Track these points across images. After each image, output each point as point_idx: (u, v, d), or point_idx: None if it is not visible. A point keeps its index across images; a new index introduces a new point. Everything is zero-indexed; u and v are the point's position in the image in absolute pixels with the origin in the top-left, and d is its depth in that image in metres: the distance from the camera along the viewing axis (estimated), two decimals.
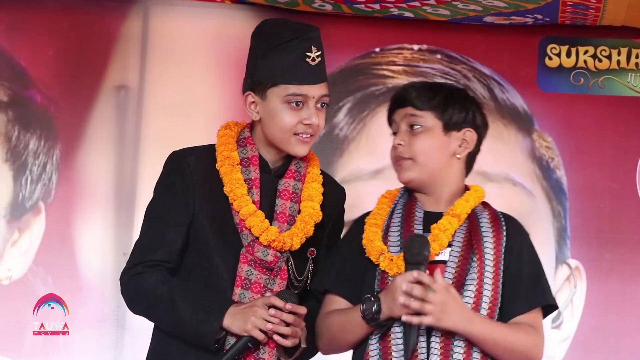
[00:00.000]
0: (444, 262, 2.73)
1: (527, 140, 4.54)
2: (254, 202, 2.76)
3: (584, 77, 4.57)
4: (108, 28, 4.58)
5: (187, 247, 2.80)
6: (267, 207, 2.78)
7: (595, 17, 4.37)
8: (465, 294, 2.69)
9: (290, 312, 2.70)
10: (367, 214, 2.87)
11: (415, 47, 4.62)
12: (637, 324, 4.46)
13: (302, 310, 2.71)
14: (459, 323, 2.65)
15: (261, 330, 2.69)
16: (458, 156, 2.81)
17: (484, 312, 2.71)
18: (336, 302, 2.81)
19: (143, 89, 4.59)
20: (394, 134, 2.84)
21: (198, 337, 2.71)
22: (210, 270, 2.77)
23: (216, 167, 2.79)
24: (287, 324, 2.70)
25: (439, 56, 4.60)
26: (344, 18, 4.58)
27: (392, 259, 2.72)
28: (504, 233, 2.78)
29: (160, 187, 2.83)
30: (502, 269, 2.74)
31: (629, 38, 4.54)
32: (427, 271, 2.67)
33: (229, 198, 2.76)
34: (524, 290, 2.75)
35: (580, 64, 4.57)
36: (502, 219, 2.81)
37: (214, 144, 2.84)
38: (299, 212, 2.80)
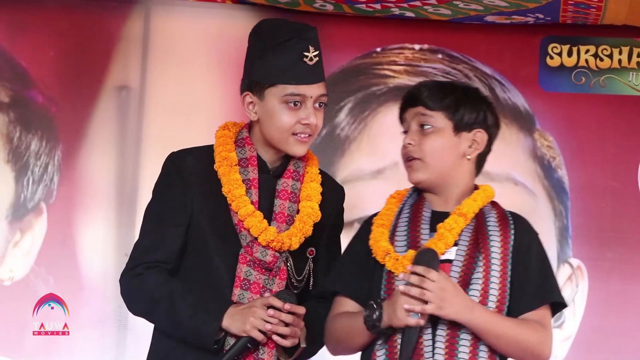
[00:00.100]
0: (449, 261, 2.73)
1: (529, 139, 4.54)
2: (252, 203, 2.76)
3: (585, 77, 4.57)
4: (109, 28, 4.58)
5: (186, 247, 2.80)
6: (266, 207, 2.78)
7: (597, 16, 4.37)
8: (470, 292, 2.69)
9: (289, 312, 2.69)
10: (376, 214, 2.86)
11: (417, 46, 4.62)
12: (639, 324, 4.46)
13: (301, 310, 2.71)
14: (460, 312, 2.65)
15: (260, 331, 2.69)
16: (468, 157, 2.80)
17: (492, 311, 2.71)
18: (345, 304, 2.81)
19: (144, 89, 4.59)
20: (405, 132, 2.83)
21: (197, 338, 2.71)
22: (209, 270, 2.77)
23: (214, 167, 2.79)
24: (286, 324, 2.69)
25: (440, 56, 4.60)
26: (345, 18, 4.58)
27: (397, 259, 2.72)
28: (512, 232, 2.77)
29: (159, 188, 2.84)
30: (509, 268, 2.74)
31: (631, 37, 4.54)
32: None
33: (227, 198, 2.76)
34: (532, 287, 2.74)
35: (582, 63, 4.57)
36: (510, 218, 2.80)
37: (213, 145, 2.84)
38: (298, 212, 2.80)
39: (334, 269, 2.86)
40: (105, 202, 4.54)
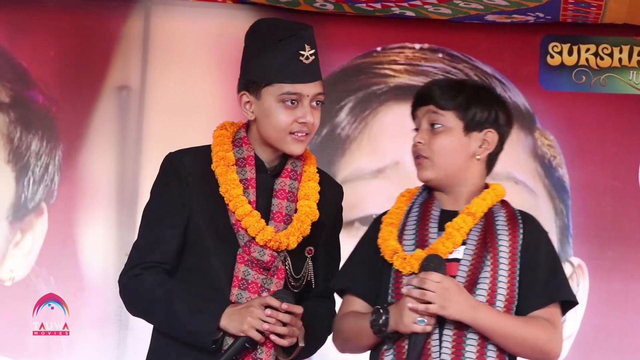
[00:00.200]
0: (457, 260, 2.72)
1: (529, 138, 4.54)
2: (250, 202, 2.75)
3: (585, 75, 4.57)
4: (109, 28, 4.58)
5: (184, 248, 2.80)
6: (264, 207, 2.78)
7: (597, 15, 4.37)
8: (478, 292, 2.69)
9: (287, 312, 2.69)
10: (386, 212, 2.86)
11: (417, 46, 4.62)
12: (639, 322, 4.46)
13: (299, 309, 2.71)
14: (464, 312, 2.64)
15: (258, 331, 2.69)
16: (478, 157, 2.78)
17: (498, 310, 2.70)
18: (354, 303, 2.81)
19: (145, 89, 4.59)
20: (416, 129, 2.82)
21: (195, 338, 2.71)
22: (207, 270, 2.77)
23: (212, 167, 2.79)
24: (284, 324, 2.69)
25: (440, 55, 4.60)
26: (346, 17, 4.58)
27: (405, 258, 2.72)
28: (521, 231, 2.76)
29: (157, 188, 2.84)
30: (518, 267, 2.73)
31: (631, 36, 4.54)
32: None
33: (225, 199, 2.75)
34: (540, 286, 2.74)
35: (582, 62, 4.57)
36: (520, 217, 2.79)
37: (210, 145, 2.83)
38: (296, 211, 2.80)
39: (343, 266, 2.86)
40: (106, 202, 4.54)
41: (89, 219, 4.54)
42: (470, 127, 2.76)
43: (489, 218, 2.77)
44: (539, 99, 4.57)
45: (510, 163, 4.48)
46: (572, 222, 4.52)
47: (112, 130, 4.56)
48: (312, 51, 2.76)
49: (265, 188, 2.80)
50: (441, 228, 2.75)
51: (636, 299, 4.46)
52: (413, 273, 2.70)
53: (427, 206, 2.80)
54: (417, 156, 2.81)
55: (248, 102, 2.80)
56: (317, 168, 2.88)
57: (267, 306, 2.69)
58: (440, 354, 2.66)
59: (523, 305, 2.73)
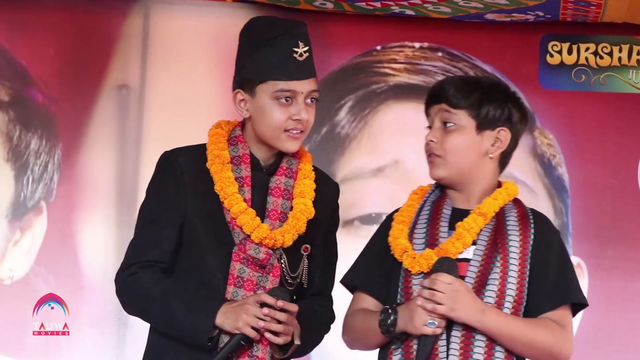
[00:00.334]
0: (467, 260, 2.72)
1: (529, 137, 4.54)
2: (245, 200, 2.75)
3: (585, 74, 4.57)
4: (109, 27, 4.58)
5: (180, 247, 2.80)
6: (259, 204, 2.78)
7: (597, 14, 4.37)
8: (486, 293, 2.69)
9: (282, 310, 2.69)
10: (398, 210, 2.86)
11: (417, 44, 4.62)
12: (639, 321, 4.46)
13: (294, 307, 2.71)
14: (472, 314, 2.64)
15: (253, 328, 2.69)
16: (490, 156, 2.78)
17: (507, 311, 2.70)
18: (364, 300, 2.82)
19: (144, 88, 4.59)
20: (429, 127, 2.82)
21: (191, 336, 2.71)
22: (203, 269, 2.77)
23: (207, 165, 2.79)
24: (279, 322, 2.69)
25: (440, 54, 4.60)
26: (345, 16, 4.58)
27: (414, 257, 2.72)
28: (532, 231, 2.76)
29: (152, 187, 2.84)
30: (528, 268, 2.72)
31: (630, 35, 4.54)
32: None
33: (220, 197, 2.76)
34: (550, 287, 2.73)
35: (582, 61, 4.57)
36: (531, 217, 2.79)
37: (206, 143, 2.84)
38: (292, 209, 2.80)
39: (354, 263, 2.86)
40: (106, 200, 4.54)
41: (88, 217, 4.54)
42: (482, 125, 2.76)
43: (500, 218, 2.76)
44: (539, 98, 4.57)
45: (509, 162, 4.48)
46: (572, 221, 4.52)
47: (111, 129, 4.56)
48: (306, 48, 2.77)
49: (261, 186, 2.80)
50: (452, 227, 2.75)
51: (635, 298, 4.46)
52: (422, 272, 2.71)
53: (439, 204, 2.80)
54: (430, 154, 2.80)
55: (242, 100, 2.80)
56: (313, 166, 2.88)
57: (262, 303, 2.69)
58: (448, 355, 2.66)
59: (533, 306, 2.73)
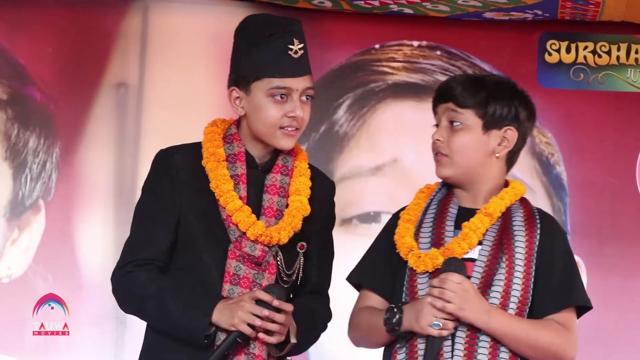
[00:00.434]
0: (472, 260, 2.72)
1: None
2: (240, 198, 2.75)
3: (583, 73, 4.57)
4: (107, 25, 4.58)
5: (175, 244, 2.79)
6: (255, 202, 2.77)
7: (595, 13, 4.37)
8: (491, 294, 2.68)
9: (277, 310, 2.69)
10: (404, 208, 2.85)
11: (415, 43, 4.62)
12: (637, 319, 4.46)
13: (289, 307, 2.70)
14: (478, 315, 2.64)
15: (249, 325, 2.69)
16: (497, 155, 2.77)
17: (511, 312, 2.69)
18: (370, 298, 2.81)
19: (143, 86, 4.59)
20: (436, 125, 2.81)
21: (188, 334, 2.71)
22: (199, 266, 2.77)
23: (202, 163, 2.79)
24: (274, 321, 2.69)
25: (438, 52, 4.60)
26: (344, 15, 4.58)
27: (420, 256, 2.71)
28: (538, 231, 2.75)
29: (148, 185, 2.84)
30: (533, 268, 2.72)
31: (629, 34, 4.54)
32: None
33: (215, 194, 2.75)
34: (555, 289, 2.73)
35: (580, 59, 4.57)
36: (537, 217, 2.78)
37: (201, 142, 2.84)
38: (287, 206, 2.79)
39: (360, 260, 2.86)
40: (104, 199, 4.54)
41: (86, 216, 4.54)
42: (489, 125, 2.75)
43: (506, 218, 2.76)
44: (537, 96, 4.50)
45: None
46: (570, 220, 4.52)
47: (110, 127, 4.56)
48: (301, 45, 2.76)
49: (256, 184, 2.80)
50: (458, 226, 2.75)
51: (634, 296, 4.46)
52: (427, 272, 2.70)
53: (445, 203, 2.80)
54: (436, 153, 2.80)
55: (238, 97, 2.80)
56: (309, 164, 2.87)
57: (258, 300, 2.69)
58: (453, 356, 2.66)
59: (537, 307, 2.73)
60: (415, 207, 2.83)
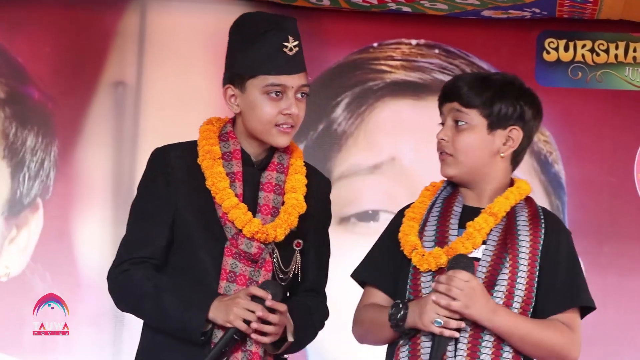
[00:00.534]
0: (477, 259, 2.71)
1: None
2: (236, 195, 2.75)
3: (581, 71, 4.57)
4: (105, 24, 4.58)
5: (172, 243, 2.80)
6: (251, 199, 2.78)
7: (593, 11, 4.37)
8: (495, 294, 2.68)
9: (271, 310, 2.69)
10: (409, 205, 2.85)
11: (413, 41, 4.62)
12: (636, 318, 4.47)
13: (282, 307, 2.71)
14: (484, 314, 2.64)
15: (245, 321, 2.68)
16: (502, 155, 2.77)
17: (515, 311, 2.69)
18: (374, 295, 2.82)
19: (141, 85, 4.59)
20: (442, 124, 2.81)
21: (185, 331, 2.72)
22: (195, 264, 2.77)
23: (198, 161, 2.79)
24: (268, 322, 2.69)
25: (437, 51, 4.60)
26: (342, 13, 4.58)
27: (423, 255, 2.71)
28: (542, 231, 2.75)
29: (144, 184, 2.85)
30: (537, 268, 2.72)
31: (627, 32, 4.54)
32: None
33: (211, 192, 2.76)
34: (560, 289, 2.73)
35: (578, 58, 4.57)
36: (542, 217, 2.78)
37: (197, 140, 2.84)
38: (283, 204, 2.79)
39: (365, 257, 2.86)
40: (102, 198, 4.54)
41: (84, 214, 4.54)
42: (494, 125, 2.75)
43: (510, 218, 2.75)
44: None
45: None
46: (568, 218, 4.52)
47: (108, 126, 4.56)
48: (296, 43, 2.77)
49: (252, 181, 2.80)
50: (462, 225, 2.75)
51: (632, 294, 4.46)
52: (430, 270, 2.70)
53: (450, 202, 2.79)
54: (441, 152, 2.79)
55: (233, 95, 2.80)
56: (304, 161, 2.87)
57: (253, 296, 2.69)
58: (455, 355, 2.66)
59: (542, 307, 2.72)
60: (420, 205, 2.83)
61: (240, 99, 2.79)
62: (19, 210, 4.52)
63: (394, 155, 4.57)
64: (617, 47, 4.56)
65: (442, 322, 2.63)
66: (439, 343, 2.64)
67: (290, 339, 2.77)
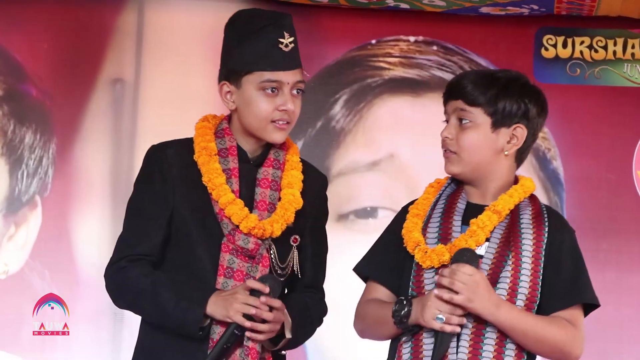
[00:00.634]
0: (480, 256, 2.71)
1: None
2: (233, 192, 2.76)
3: (580, 68, 4.57)
4: (103, 21, 4.58)
5: (169, 239, 2.80)
6: (247, 196, 2.78)
7: (591, 8, 4.37)
8: (498, 291, 2.67)
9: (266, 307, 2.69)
10: (413, 201, 2.85)
11: (412, 38, 4.62)
12: (634, 314, 4.47)
13: (276, 303, 2.70)
14: (487, 308, 2.63)
15: (245, 315, 2.68)
16: (506, 153, 2.76)
17: (520, 308, 2.69)
18: (377, 290, 2.81)
19: (139, 82, 4.59)
20: (446, 121, 2.81)
21: (182, 326, 2.72)
22: (192, 261, 2.77)
23: (194, 158, 2.79)
24: (264, 320, 2.69)
25: (435, 47, 4.60)
26: (340, 10, 4.58)
27: (426, 252, 2.71)
28: (546, 229, 2.75)
29: (140, 181, 2.85)
30: (541, 266, 2.71)
31: (625, 28, 4.54)
32: None
33: (208, 188, 2.76)
34: (563, 286, 2.72)
35: (577, 54, 4.57)
36: (545, 215, 2.78)
37: (193, 137, 2.84)
38: (280, 200, 2.79)
39: (368, 253, 2.86)
40: (100, 195, 4.54)
41: (83, 212, 4.54)
42: (498, 123, 2.74)
43: (514, 216, 2.75)
44: None
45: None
46: (567, 215, 4.52)
47: (106, 123, 4.56)
48: (292, 39, 2.77)
49: (248, 177, 2.80)
50: (465, 222, 2.74)
51: (630, 290, 4.46)
52: (432, 267, 2.70)
53: (454, 199, 2.79)
54: (445, 150, 2.79)
55: (229, 92, 2.80)
56: (301, 158, 2.87)
57: (252, 290, 2.69)
58: (457, 351, 2.65)
59: (545, 304, 2.72)
60: (424, 202, 2.82)
61: (236, 95, 2.79)
62: (17, 207, 4.52)
63: (392, 152, 4.56)
64: (615, 44, 4.56)
65: (444, 319, 2.63)
66: (442, 340, 2.64)
67: (288, 335, 2.76)
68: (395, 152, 4.56)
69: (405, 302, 2.68)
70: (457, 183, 2.83)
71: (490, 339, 2.67)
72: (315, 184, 2.88)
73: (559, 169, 4.55)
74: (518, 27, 4.55)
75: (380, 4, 4.48)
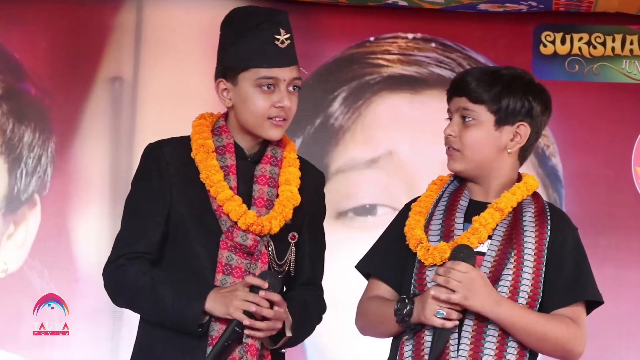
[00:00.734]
0: (482, 254, 2.71)
1: None
2: (230, 189, 2.76)
3: (578, 64, 4.57)
4: (102, 20, 4.58)
5: (167, 237, 2.80)
6: (245, 193, 2.78)
7: (590, 4, 4.37)
8: (500, 288, 2.67)
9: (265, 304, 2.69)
10: (416, 199, 2.85)
11: (410, 35, 4.62)
12: (633, 310, 4.47)
13: (275, 297, 2.70)
14: (486, 305, 2.63)
15: (246, 313, 2.68)
16: (509, 151, 2.76)
17: (521, 305, 2.68)
18: (379, 287, 2.82)
19: (137, 81, 4.59)
20: (449, 119, 2.80)
21: (181, 323, 2.72)
22: (191, 258, 2.77)
23: (192, 155, 2.79)
24: (263, 318, 2.69)
25: (433, 44, 4.60)
26: (339, 7, 4.58)
27: (428, 249, 2.71)
28: (548, 227, 2.75)
29: (137, 179, 2.85)
30: (544, 264, 2.71)
31: (623, 25, 4.54)
32: None
33: (206, 185, 2.76)
34: (565, 284, 2.72)
35: (575, 51, 4.57)
36: (548, 213, 2.78)
37: (190, 135, 2.84)
38: (278, 196, 2.80)
39: (370, 250, 2.86)
40: (99, 193, 4.54)
41: (82, 210, 4.54)
42: (501, 121, 2.74)
43: (517, 213, 2.75)
44: None
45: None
46: (566, 211, 4.49)
47: (105, 121, 4.56)
48: (288, 35, 2.77)
49: (246, 174, 2.80)
50: (468, 219, 2.74)
51: (629, 286, 4.46)
52: (435, 265, 2.70)
53: (456, 196, 2.79)
54: (448, 147, 2.79)
55: (225, 89, 2.80)
56: (298, 155, 2.87)
57: (251, 287, 2.69)
58: (458, 348, 2.65)
59: (547, 301, 2.72)
60: (427, 199, 2.82)
61: (232, 92, 2.79)
62: (16, 206, 4.52)
63: (391, 149, 4.57)
64: (613, 40, 4.56)
65: (445, 314, 2.63)
66: (440, 335, 2.64)
67: (289, 334, 2.77)
68: (394, 149, 4.56)
69: (407, 301, 2.68)
70: (459, 180, 2.83)
71: (492, 337, 2.67)
72: (313, 181, 2.88)
73: (558, 166, 4.55)
74: (516, 24, 4.55)
75: (378, 1, 4.48)
